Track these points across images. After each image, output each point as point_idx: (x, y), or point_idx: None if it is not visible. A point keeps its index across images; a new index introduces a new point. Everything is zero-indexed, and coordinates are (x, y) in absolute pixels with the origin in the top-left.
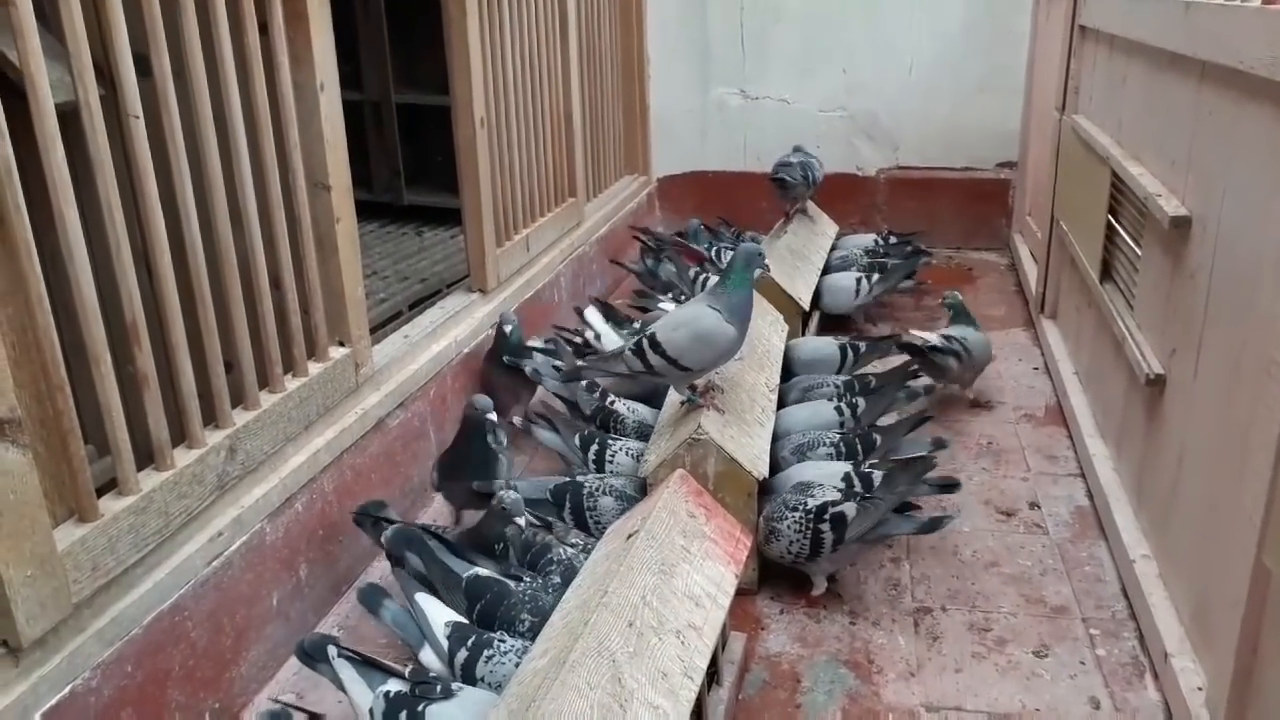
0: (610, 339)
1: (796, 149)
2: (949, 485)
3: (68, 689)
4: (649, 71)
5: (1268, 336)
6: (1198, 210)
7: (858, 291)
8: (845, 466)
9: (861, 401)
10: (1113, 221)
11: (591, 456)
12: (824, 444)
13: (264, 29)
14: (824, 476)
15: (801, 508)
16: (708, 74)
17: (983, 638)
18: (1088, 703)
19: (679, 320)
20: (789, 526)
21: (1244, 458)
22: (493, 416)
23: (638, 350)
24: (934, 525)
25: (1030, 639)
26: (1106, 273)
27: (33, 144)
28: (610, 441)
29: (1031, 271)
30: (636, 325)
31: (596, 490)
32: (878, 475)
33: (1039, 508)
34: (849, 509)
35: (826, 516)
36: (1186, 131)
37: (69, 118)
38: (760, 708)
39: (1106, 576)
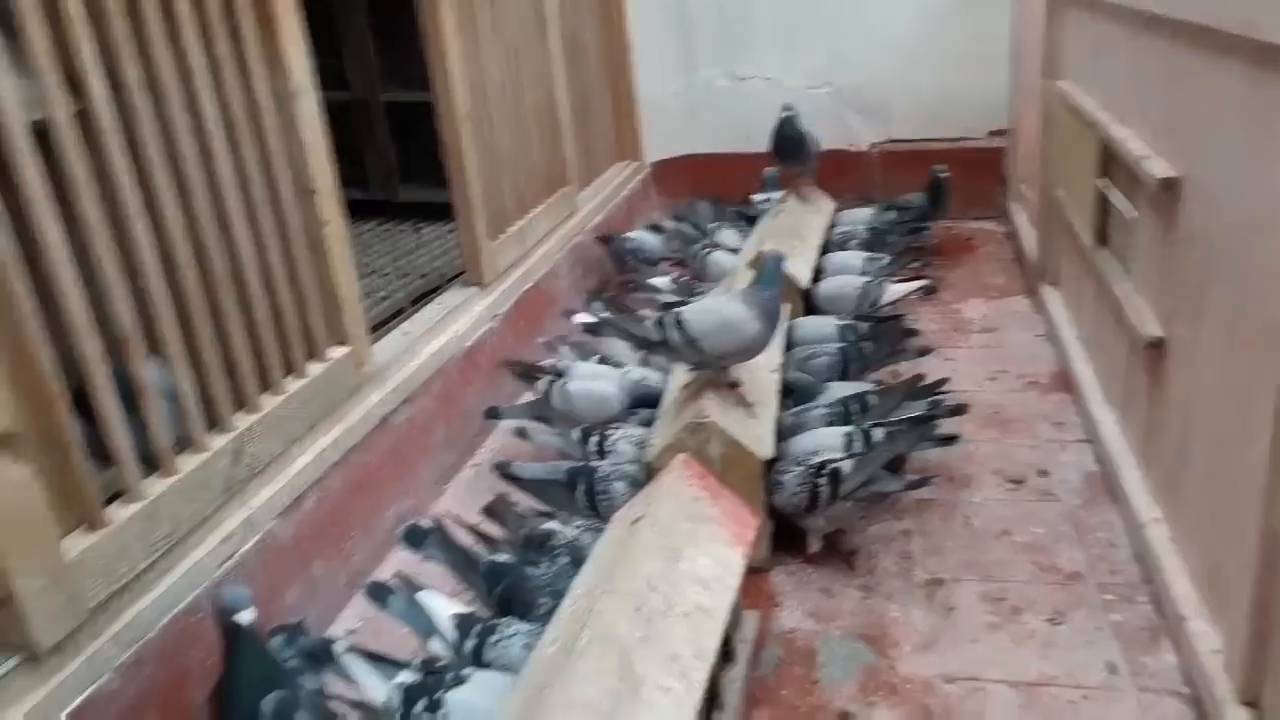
0: (614, 346)
1: (787, 108)
2: (949, 439)
3: (89, 691)
4: (633, 57)
5: (1263, 296)
6: (1186, 171)
7: (862, 298)
8: (846, 428)
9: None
10: (1104, 186)
11: (592, 447)
12: (825, 354)
13: (235, 36)
14: (825, 442)
15: (805, 463)
16: (693, 56)
17: (997, 607)
18: (1104, 668)
19: (708, 305)
20: (791, 480)
21: (1247, 418)
22: (246, 617)
23: (660, 323)
24: (919, 483)
25: (1045, 607)
26: (1102, 238)
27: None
28: (610, 431)
29: (1030, 239)
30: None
31: (610, 475)
32: (879, 433)
33: (1048, 475)
34: (845, 465)
35: (825, 471)
36: (1169, 92)
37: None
38: (777, 685)
39: (1119, 541)
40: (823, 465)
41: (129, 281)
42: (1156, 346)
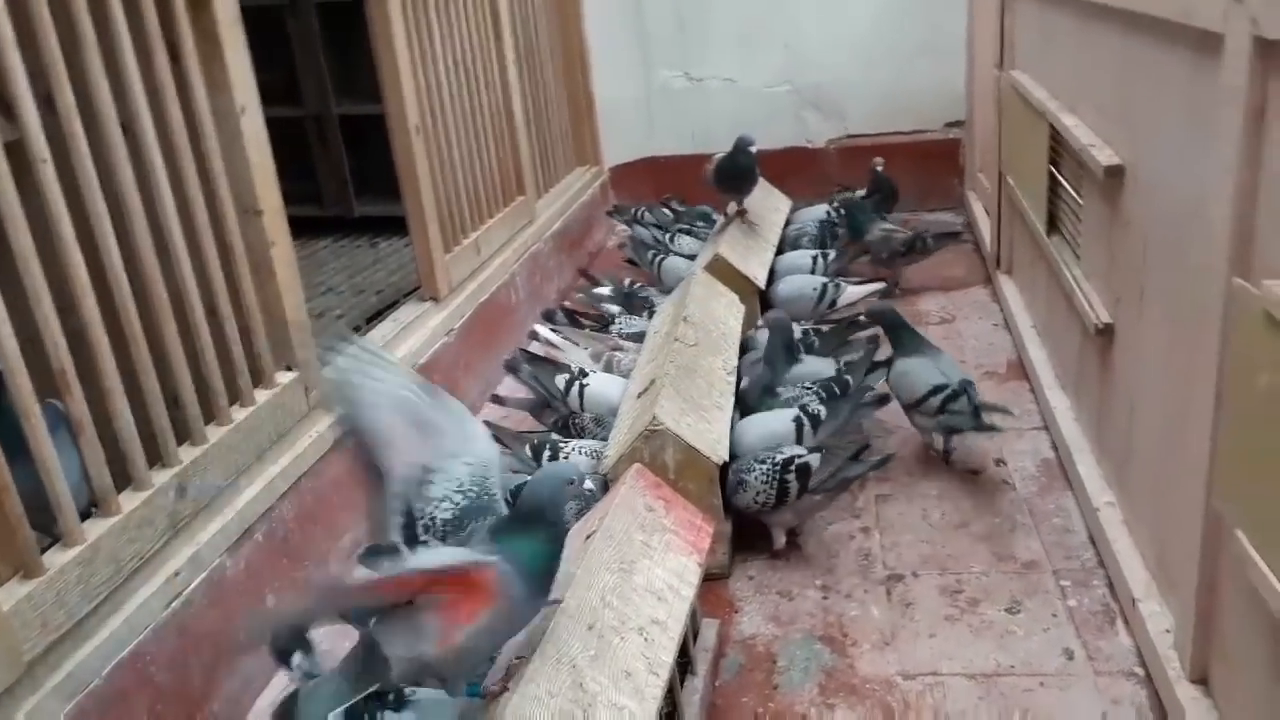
0: (572, 351)
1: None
2: (883, 462)
3: None
4: (590, 60)
5: (1198, 281)
6: (1130, 159)
7: (820, 299)
8: (793, 412)
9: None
10: (1055, 174)
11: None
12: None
13: (174, 55)
14: (775, 429)
15: (769, 460)
16: (650, 58)
17: (955, 600)
18: (1061, 654)
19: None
20: (756, 478)
21: (1188, 403)
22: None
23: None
24: (883, 462)
25: (1002, 597)
26: (1053, 225)
27: None
28: (560, 445)
29: (986, 228)
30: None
31: None
32: (823, 410)
33: (1005, 464)
34: (813, 460)
35: (793, 468)
36: (1115, 81)
37: None
38: (737, 692)
39: (1074, 526)
40: (790, 461)
41: (62, 313)
42: (1105, 332)
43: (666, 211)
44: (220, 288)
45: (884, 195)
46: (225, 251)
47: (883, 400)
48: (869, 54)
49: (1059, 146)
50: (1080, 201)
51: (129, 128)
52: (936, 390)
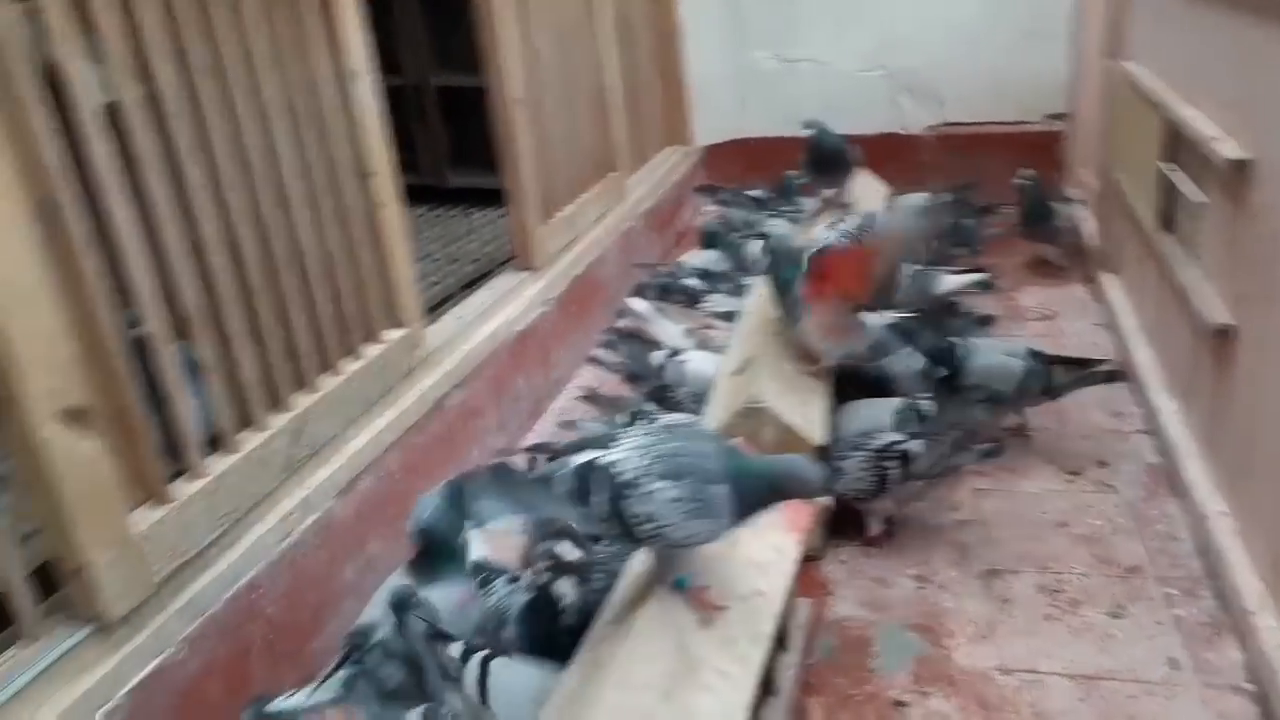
0: (666, 326)
1: (811, 124)
2: (993, 452)
3: (157, 662)
4: (683, 40)
5: None
6: (1258, 153)
7: (912, 288)
8: (896, 401)
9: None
10: (1169, 169)
11: None
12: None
13: (296, 19)
14: (877, 416)
15: (865, 446)
16: (743, 38)
17: (1055, 599)
18: (1166, 663)
19: None
20: (853, 464)
21: None
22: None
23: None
24: (993, 453)
25: (1104, 600)
26: (1166, 222)
27: None
28: (657, 418)
29: (1088, 225)
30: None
31: None
32: (928, 405)
33: (1107, 466)
34: (914, 446)
35: (893, 454)
36: (1239, 69)
37: (117, 116)
38: (830, 672)
39: (1180, 534)
40: (888, 447)
41: (194, 261)
42: (1224, 334)
43: (750, 197)
44: (336, 245)
45: (1035, 210)
46: (340, 211)
47: (995, 398)
48: (966, 39)
49: (1175, 140)
50: (1199, 198)
51: (253, 85)
52: (1031, 374)
